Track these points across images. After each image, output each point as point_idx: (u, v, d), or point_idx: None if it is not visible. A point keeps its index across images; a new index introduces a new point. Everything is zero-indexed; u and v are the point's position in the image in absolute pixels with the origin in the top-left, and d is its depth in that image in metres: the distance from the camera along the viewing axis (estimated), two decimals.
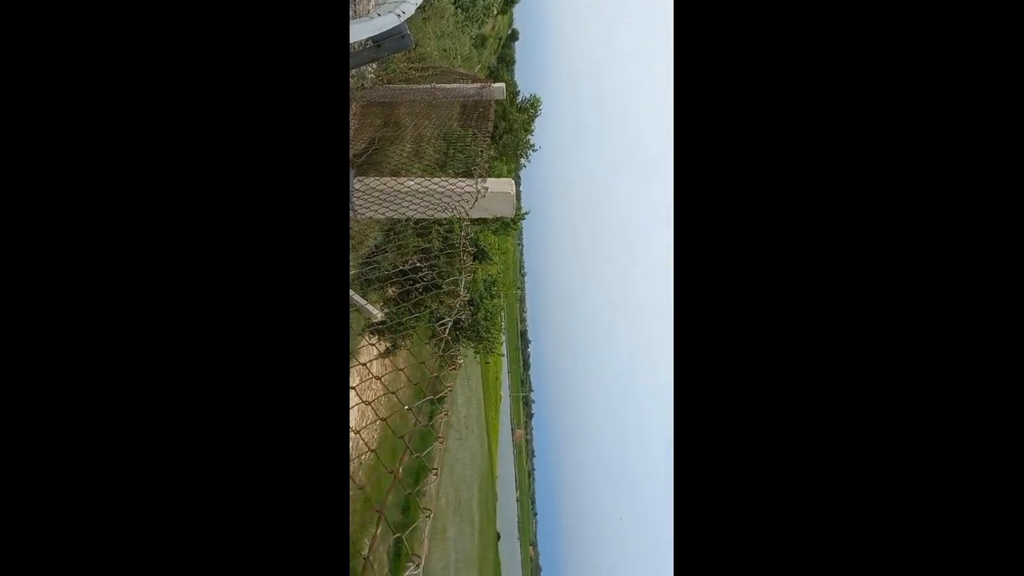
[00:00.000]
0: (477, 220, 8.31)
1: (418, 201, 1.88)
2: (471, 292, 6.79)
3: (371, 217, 1.98)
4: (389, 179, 1.97)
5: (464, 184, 1.90)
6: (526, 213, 9.77)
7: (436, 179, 1.93)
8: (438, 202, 1.87)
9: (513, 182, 1.97)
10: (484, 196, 1.86)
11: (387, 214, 1.96)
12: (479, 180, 1.86)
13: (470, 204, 1.85)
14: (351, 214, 1.84)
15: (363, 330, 7.16)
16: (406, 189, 1.92)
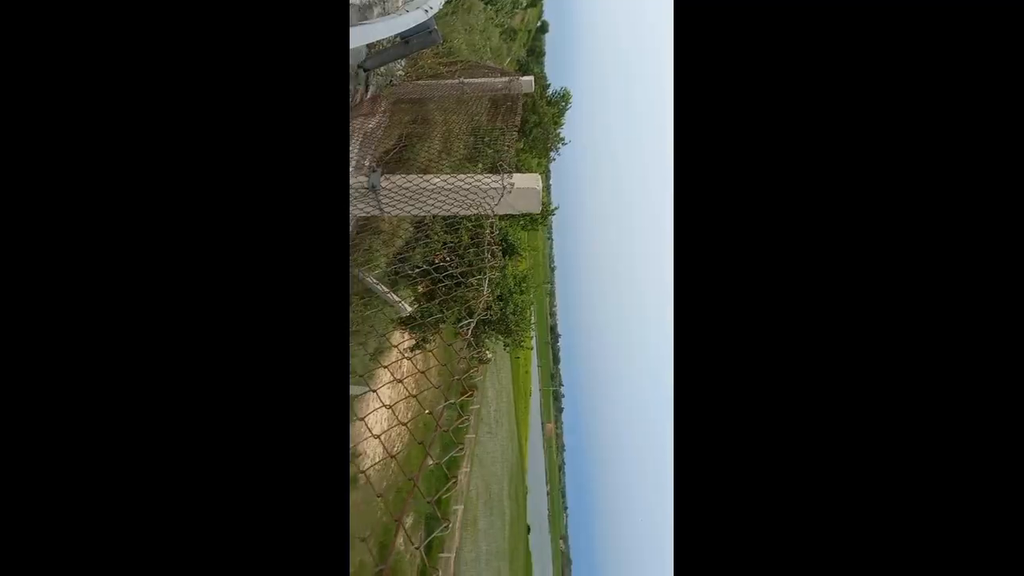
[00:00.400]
0: (505, 216, 8.29)
1: (443, 198, 1.87)
2: (500, 287, 6.78)
3: (397, 215, 1.98)
4: (415, 176, 1.97)
5: (490, 180, 1.88)
6: (555, 209, 9.67)
7: (462, 176, 1.92)
8: (463, 199, 1.86)
9: (539, 177, 1.93)
10: (510, 192, 1.83)
11: (413, 212, 1.96)
12: (505, 176, 1.84)
13: (496, 200, 1.83)
14: (379, 212, 1.85)
15: (394, 325, 7.27)
16: (431, 186, 1.91)
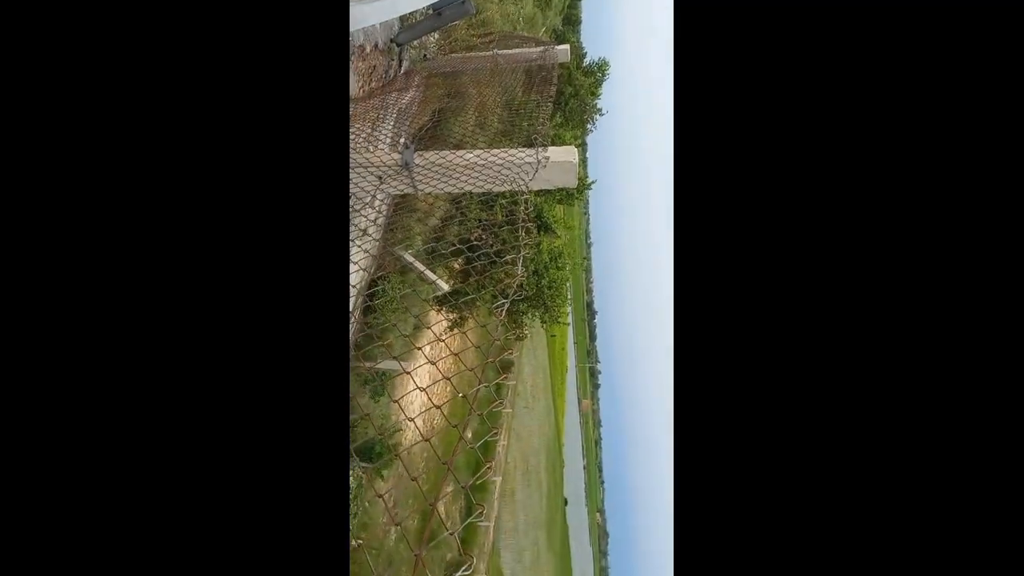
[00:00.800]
0: (541, 191, 8.17)
1: (477, 174, 1.83)
2: (535, 263, 6.73)
3: (430, 193, 1.96)
4: (448, 153, 1.93)
5: (524, 155, 1.82)
6: (592, 183, 9.45)
7: (496, 151, 1.87)
8: (497, 175, 1.81)
9: (575, 150, 1.86)
10: (545, 167, 1.77)
11: (446, 190, 1.93)
12: (540, 150, 1.77)
13: (530, 175, 1.77)
14: (412, 190, 1.83)
15: (431, 302, 7.37)
16: (465, 163, 1.87)
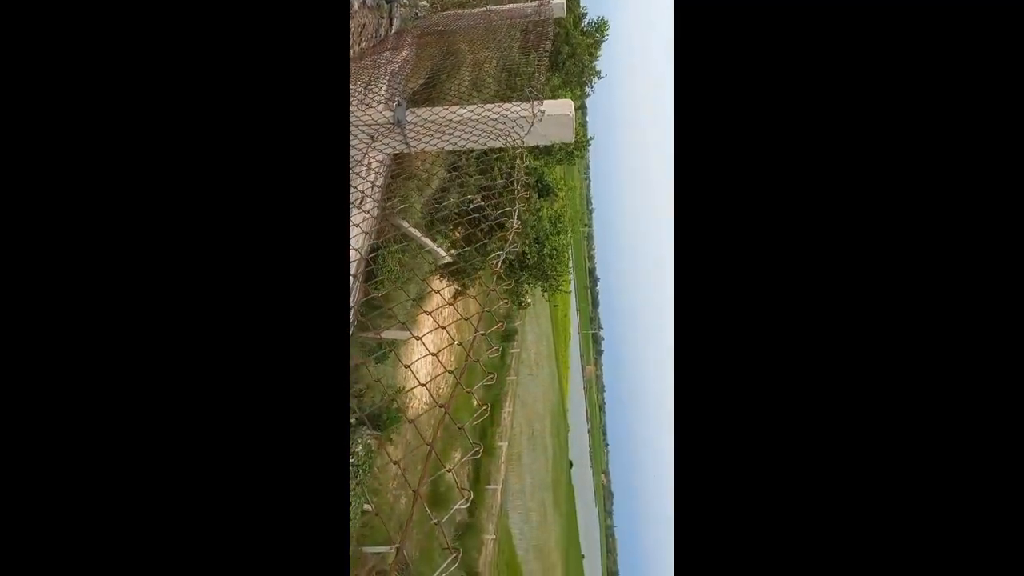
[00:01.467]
0: (540, 154, 8.04)
1: (471, 130, 1.78)
2: (535, 230, 6.68)
3: (424, 150, 1.92)
4: (441, 108, 1.88)
5: (519, 108, 1.77)
6: (591, 139, 9.28)
7: (489, 105, 1.82)
8: (492, 130, 1.77)
9: (571, 103, 1.80)
10: (541, 120, 1.73)
11: (440, 146, 1.89)
12: (535, 103, 1.72)
13: (526, 130, 1.73)
14: (405, 148, 1.79)
15: (432, 272, 7.36)
16: (458, 118, 1.82)
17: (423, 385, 1.33)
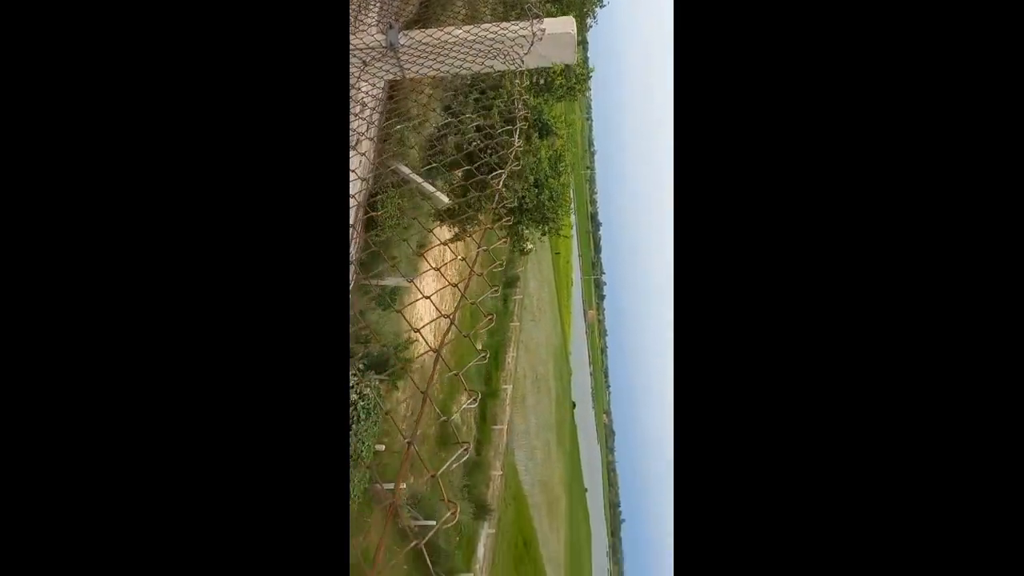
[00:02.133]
0: (539, 91, 7.74)
1: (467, 52, 1.69)
2: (534, 172, 6.53)
3: (418, 78, 1.83)
4: (435, 30, 1.78)
5: (518, 27, 1.67)
6: (592, 70, 8.92)
7: (486, 25, 1.72)
8: (489, 51, 1.67)
9: (573, 20, 1.69)
10: (541, 39, 1.63)
11: (435, 71, 1.80)
12: (535, 21, 1.62)
13: (525, 50, 1.63)
14: (398, 73, 1.70)
15: (432, 217, 7.28)
16: (453, 39, 1.72)
17: (416, 331, 1.33)
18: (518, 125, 1.75)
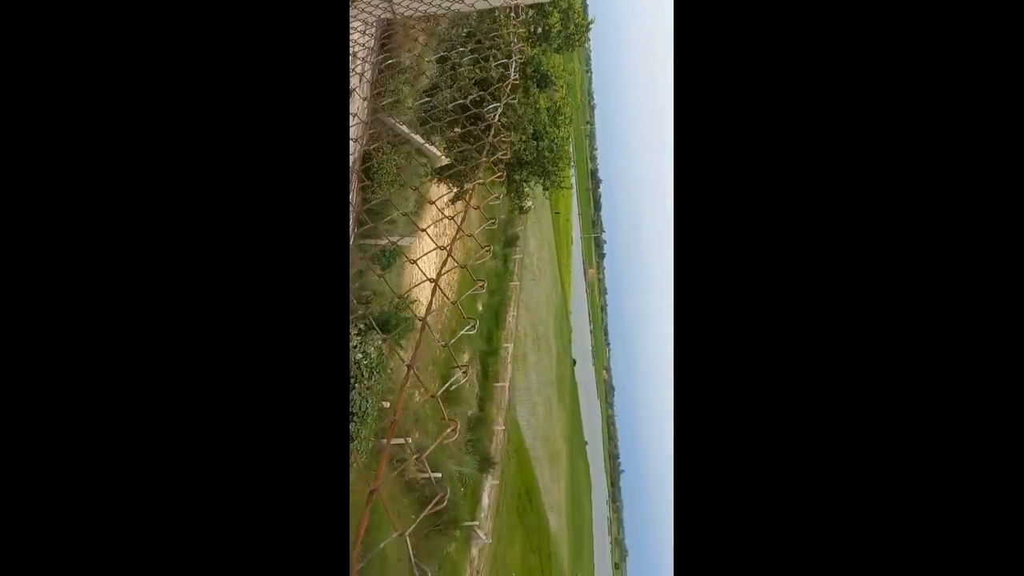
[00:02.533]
0: (537, 40, 7.43)
1: None
2: (533, 124, 6.36)
3: (408, 13, 1.74)
4: None
5: None
6: (591, 22, 8.59)
7: None
8: None
9: None
10: None
11: (429, 9, 1.71)
12: None
13: None
14: (387, 9, 1.61)
15: (429, 175, 7.15)
16: None
17: (405, 292, 1.31)
18: (514, 59, 1.66)
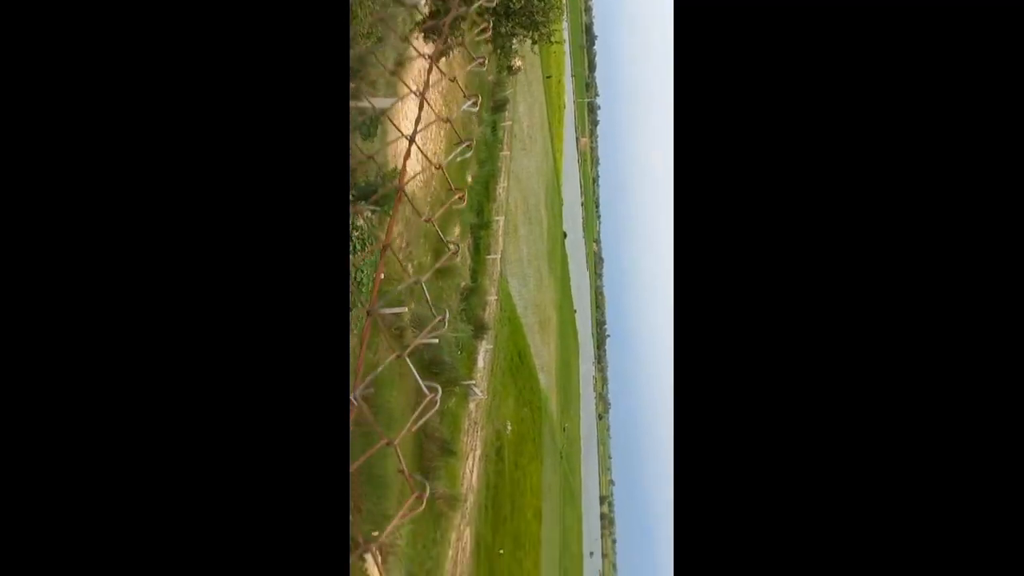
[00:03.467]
0: None
1: None
2: None
3: None
4: None
5: None
6: None
7: None
8: None
9: None
10: None
11: None
12: None
13: None
14: None
15: (412, 31, 6.50)
16: None
17: (390, 161, 1.27)
18: None
